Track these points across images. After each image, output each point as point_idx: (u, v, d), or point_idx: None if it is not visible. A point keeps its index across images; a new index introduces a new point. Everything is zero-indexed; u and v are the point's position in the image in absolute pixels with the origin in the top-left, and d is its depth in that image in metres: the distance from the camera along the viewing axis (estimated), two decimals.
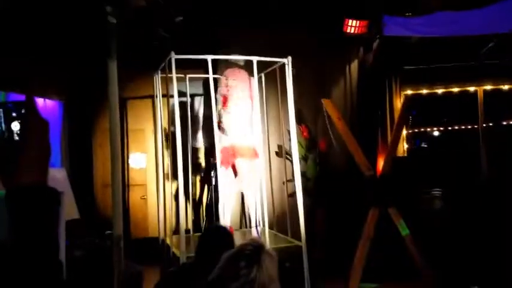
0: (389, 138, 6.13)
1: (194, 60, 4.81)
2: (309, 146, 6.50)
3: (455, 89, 6.83)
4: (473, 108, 6.84)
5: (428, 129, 7.72)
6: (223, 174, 5.05)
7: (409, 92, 6.80)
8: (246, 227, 6.08)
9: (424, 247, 5.18)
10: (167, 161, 5.70)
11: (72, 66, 6.44)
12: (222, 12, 6.11)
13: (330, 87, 6.77)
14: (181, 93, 5.74)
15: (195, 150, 6.81)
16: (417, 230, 5.28)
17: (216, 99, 5.04)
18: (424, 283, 5.11)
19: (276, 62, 5.19)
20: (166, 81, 4.71)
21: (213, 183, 5.91)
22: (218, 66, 5.81)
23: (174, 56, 4.50)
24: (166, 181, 5.57)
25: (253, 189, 5.39)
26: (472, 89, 6.80)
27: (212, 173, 5.98)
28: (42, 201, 0.92)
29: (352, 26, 6.02)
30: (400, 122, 5.67)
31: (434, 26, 5.85)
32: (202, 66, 4.90)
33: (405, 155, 6.80)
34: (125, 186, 6.95)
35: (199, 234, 4.48)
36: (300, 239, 4.81)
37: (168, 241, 5.19)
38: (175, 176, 4.68)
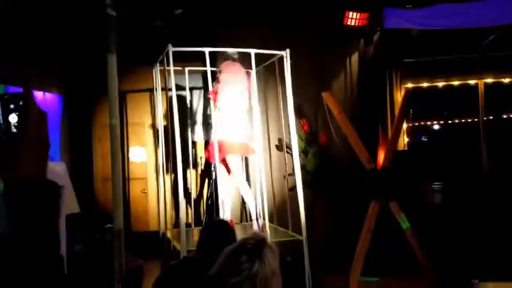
0: (390, 132, 6.12)
1: (193, 53, 4.78)
2: (309, 140, 6.49)
3: (456, 82, 6.80)
4: (474, 102, 6.82)
5: (429, 123, 7.71)
6: (222, 168, 5.03)
7: (410, 85, 6.78)
8: (247, 221, 6.07)
9: (425, 241, 5.18)
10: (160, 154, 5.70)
11: (72, 59, 6.42)
12: (221, 4, 6.08)
13: (330, 80, 6.75)
14: (181, 87, 5.72)
15: (195, 144, 6.80)
16: (418, 223, 5.28)
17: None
18: (425, 277, 5.11)
19: (274, 55, 5.16)
20: (165, 74, 4.69)
21: (213, 177, 5.91)
22: (217, 59, 5.77)
23: (171, 49, 4.48)
24: (166, 175, 5.57)
25: (246, 186, 5.26)
26: (472, 82, 6.78)
27: (212, 167, 5.97)
28: (41, 194, 0.91)
29: (353, 18, 5.99)
30: (400, 115, 5.65)
31: (435, 18, 5.81)
32: (201, 59, 4.87)
33: (406, 148, 6.79)
34: (125, 180, 6.94)
35: (199, 228, 4.48)
36: (300, 233, 4.81)
37: (168, 235, 5.19)
38: (174, 170, 4.68)
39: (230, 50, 5.14)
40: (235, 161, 5.01)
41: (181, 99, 5.18)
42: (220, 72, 5.08)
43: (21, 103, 1.00)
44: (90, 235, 5.63)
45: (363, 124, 6.07)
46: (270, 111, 5.88)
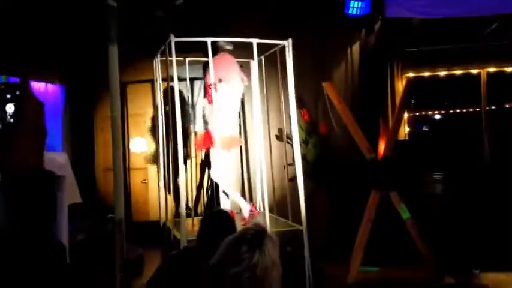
0: (390, 121, 6.11)
1: (194, 44, 4.76)
2: (310, 130, 6.48)
3: (458, 72, 6.76)
4: (476, 91, 6.78)
5: (430, 113, 7.68)
6: (222, 157, 5.03)
7: (411, 74, 6.75)
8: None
9: (426, 231, 5.19)
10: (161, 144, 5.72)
11: (73, 50, 6.40)
12: None
13: (330, 70, 6.72)
14: (182, 78, 5.70)
15: (195, 135, 6.79)
16: (418, 213, 5.29)
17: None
18: (426, 267, 5.13)
19: (276, 45, 5.14)
20: (167, 65, 4.68)
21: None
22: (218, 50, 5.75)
23: (173, 39, 4.46)
24: (166, 165, 5.57)
25: (225, 180, 5.21)
26: (474, 71, 6.74)
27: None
28: (38, 184, 0.91)
29: (354, 7, 5.95)
30: (401, 105, 5.64)
31: (436, 7, 5.78)
32: (202, 49, 4.85)
33: (407, 138, 6.78)
34: (126, 170, 6.96)
35: (200, 218, 4.50)
36: (300, 223, 4.82)
37: (169, 224, 5.21)
38: (175, 160, 4.68)
39: (225, 40, 5.13)
40: (219, 155, 4.99)
41: (181, 90, 5.16)
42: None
43: (17, 93, 1.00)
44: (91, 225, 5.66)
45: (364, 114, 6.06)
46: (270, 102, 5.87)
